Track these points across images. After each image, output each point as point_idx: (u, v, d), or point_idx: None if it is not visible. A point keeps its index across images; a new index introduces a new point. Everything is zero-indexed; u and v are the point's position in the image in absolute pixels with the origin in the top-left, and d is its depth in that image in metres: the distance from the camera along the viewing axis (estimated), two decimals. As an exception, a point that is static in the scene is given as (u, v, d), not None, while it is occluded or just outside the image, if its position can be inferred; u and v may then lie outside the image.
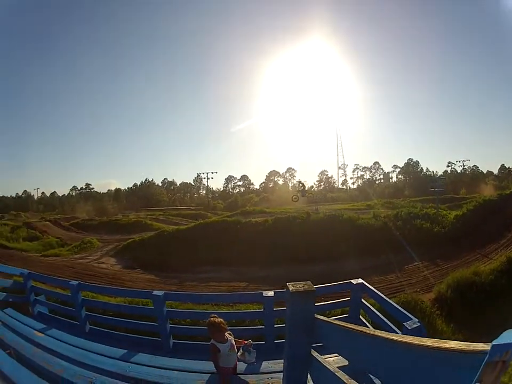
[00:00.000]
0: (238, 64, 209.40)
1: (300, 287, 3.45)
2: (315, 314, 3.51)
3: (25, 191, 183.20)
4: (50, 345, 6.33)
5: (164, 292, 7.72)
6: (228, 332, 5.09)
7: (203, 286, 26.13)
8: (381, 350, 2.22)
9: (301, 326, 3.47)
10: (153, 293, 7.57)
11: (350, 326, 2.84)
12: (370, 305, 7.12)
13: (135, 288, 22.65)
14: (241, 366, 5.52)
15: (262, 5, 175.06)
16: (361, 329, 2.71)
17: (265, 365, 5.62)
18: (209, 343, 5.03)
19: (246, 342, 5.34)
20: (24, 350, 5.51)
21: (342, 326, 3.00)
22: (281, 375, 4.55)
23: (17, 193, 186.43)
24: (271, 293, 6.97)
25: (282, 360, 4.16)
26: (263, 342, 6.87)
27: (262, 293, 7.10)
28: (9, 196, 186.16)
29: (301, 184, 60.58)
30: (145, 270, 32.16)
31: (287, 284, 3.60)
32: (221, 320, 4.91)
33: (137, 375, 5.17)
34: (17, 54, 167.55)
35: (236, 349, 5.06)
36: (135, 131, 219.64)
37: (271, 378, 5.11)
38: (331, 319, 3.72)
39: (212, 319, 4.91)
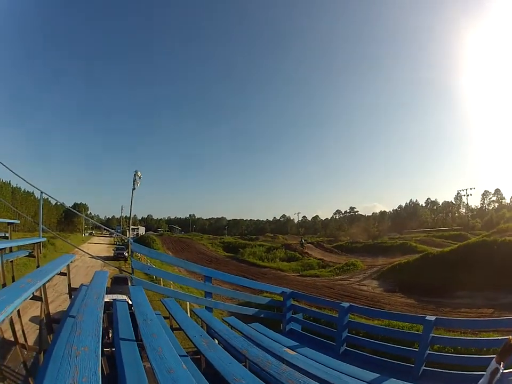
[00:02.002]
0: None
1: None
2: None
3: (283, 215, 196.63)
4: (300, 364, 6.06)
5: (435, 317, 7.21)
6: None
7: (455, 313, 24.51)
8: None
9: None
10: (425, 318, 7.12)
11: None
12: None
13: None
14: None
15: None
16: None
17: None
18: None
19: None
20: (270, 366, 5.23)
21: None
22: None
23: (274, 217, 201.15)
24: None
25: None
26: None
27: None
28: (264, 220, 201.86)
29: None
30: (406, 294, 31.40)
31: None
32: None
33: None
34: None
35: None
36: (397, 156, 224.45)
37: None
38: None
39: None
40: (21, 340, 6.84)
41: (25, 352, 7.20)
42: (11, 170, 9.70)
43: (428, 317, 7.09)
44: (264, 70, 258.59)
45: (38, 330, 14.61)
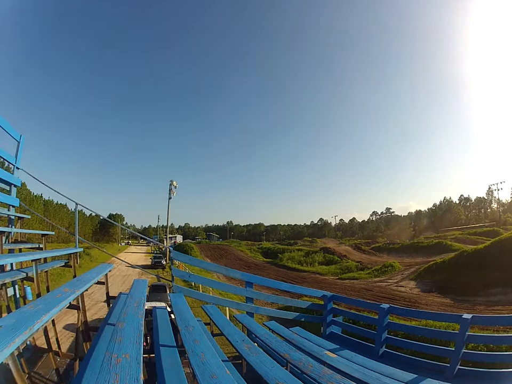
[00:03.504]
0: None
1: None
2: None
3: (321, 218, 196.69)
4: (341, 367, 6.15)
5: (472, 315, 7.12)
6: None
7: (489, 311, 24.24)
8: None
9: None
10: (462, 316, 7.09)
11: None
12: None
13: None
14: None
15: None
16: None
17: None
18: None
19: None
20: (312, 369, 5.32)
21: None
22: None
23: (311, 221, 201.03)
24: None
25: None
26: None
27: None
28: (302, 224, 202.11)
29: None
30: (442, 293, 31.17)
31: None
32: None
33: None
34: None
35: None
36: (428, 153, 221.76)
37: None
38: None
39: None
40: (54, 347, 6.89)
41: (58, 359, 7.29)
42: (46, 185, 9.97)
43: (465, 315, 7.07)
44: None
45: (71, 338, 14.89)
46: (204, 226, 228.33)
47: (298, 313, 10.79)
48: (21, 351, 6.64)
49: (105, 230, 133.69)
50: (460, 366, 6.90)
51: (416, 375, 6.27)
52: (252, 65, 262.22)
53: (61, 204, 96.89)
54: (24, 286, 8.54)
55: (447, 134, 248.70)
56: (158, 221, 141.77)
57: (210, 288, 23.35)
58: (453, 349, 7.10)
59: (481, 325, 11.35)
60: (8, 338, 2.66)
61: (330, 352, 7.28)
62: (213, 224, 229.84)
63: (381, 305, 8.86)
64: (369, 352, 8.32)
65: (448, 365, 6.96)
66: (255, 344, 7.10)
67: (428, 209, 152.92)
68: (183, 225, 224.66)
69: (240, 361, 6.45)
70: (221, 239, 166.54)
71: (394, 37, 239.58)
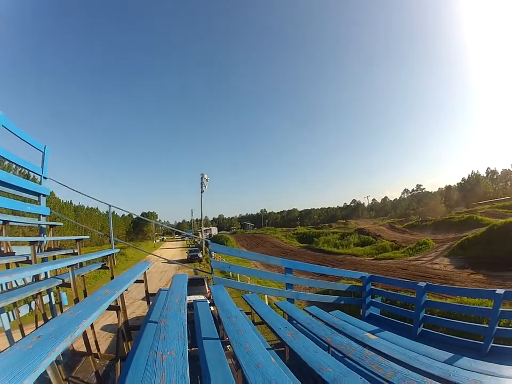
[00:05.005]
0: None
1: None
2: None
3: (354, 200, 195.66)
4: (381, 348, 6.26)
5: (504, 290, 7.25)
6: None
7: None
8: None
9: None
10: (496, 292, 7.21)
11: None
12: None
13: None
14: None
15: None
16: None
17: None
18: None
19: None
20: (354, 352, 5.44)
21: None
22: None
23: (344, 203, 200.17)
24: None
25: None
26: None
27: None
28: (335, 207, 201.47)
29: None
30: (475, 269, 30.80)
31: None
32: None
33: (457, 379, 4.96)
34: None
35: None
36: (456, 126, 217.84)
37: None
38: None
39: None
40: (93, 349, 6.93)
41: (97, 361, 7.39)
42: (79, 192, 10.18)
43: (498, 291, 7.18)
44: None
45: (109, 339, 15.06)
46: (238, 216, 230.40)
47: (337, 297, 10.89)
48: (61, 358, 6.77)
49: (138, 229, 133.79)
50: (492, 343, 6.99)
51: (452, 354, 6.39)
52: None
53: (91, 208, 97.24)
54: (60, 292, 8.66)
55: (467, 108, 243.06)
56: (192, 215, 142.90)
57: (248, 278, 23.50)
58: (487, 326, 7.20)
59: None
60: (48, 348, 2.73)
61: (370, 334, 7.39)
62: (247, 213, 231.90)
63: (418, 284, 8.93)
64: (407, 332, 8.50)
65: (482, 343, 7.08)
66: (297, 330, 7.20)
67: (457, 183, 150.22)
68: (217, 217, 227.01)
69: (283, 348, 6.60)
70: (255, 228, 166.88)
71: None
